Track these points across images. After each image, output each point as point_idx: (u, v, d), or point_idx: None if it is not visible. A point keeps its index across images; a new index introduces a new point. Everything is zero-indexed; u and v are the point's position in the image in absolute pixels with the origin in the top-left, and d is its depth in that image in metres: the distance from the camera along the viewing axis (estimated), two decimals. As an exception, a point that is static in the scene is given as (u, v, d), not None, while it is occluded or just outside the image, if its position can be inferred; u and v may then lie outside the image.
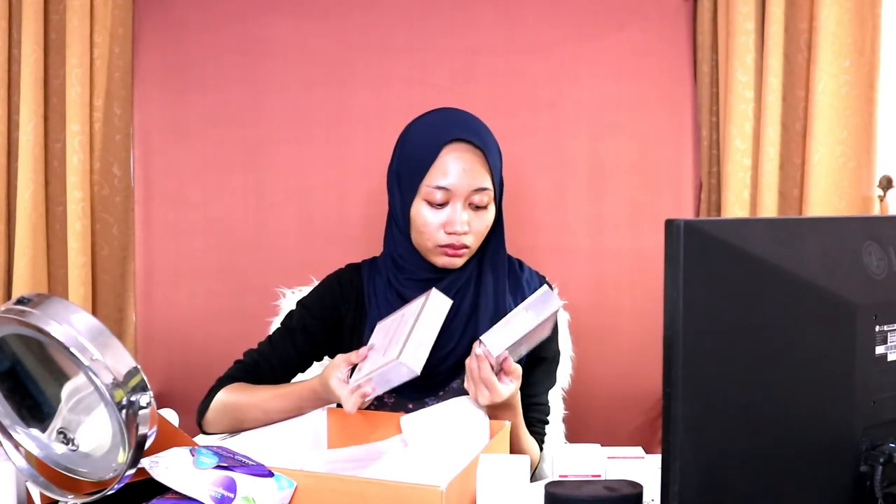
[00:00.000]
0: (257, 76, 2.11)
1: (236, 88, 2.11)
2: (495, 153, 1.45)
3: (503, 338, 1.24)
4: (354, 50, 2.10)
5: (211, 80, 2.11)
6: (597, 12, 2.09)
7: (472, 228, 1.41)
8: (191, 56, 2.11)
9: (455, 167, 1.39)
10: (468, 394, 1.32)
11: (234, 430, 1.41)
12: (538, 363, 1.48)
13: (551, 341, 1.48)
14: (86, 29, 2.03)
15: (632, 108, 2.09)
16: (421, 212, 1.41)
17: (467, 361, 1.28)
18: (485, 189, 1.40)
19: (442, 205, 1.40)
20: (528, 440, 1.43)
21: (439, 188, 1.39)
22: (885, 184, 1.98)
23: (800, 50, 2.01)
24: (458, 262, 1.44)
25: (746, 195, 2.01)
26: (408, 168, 1.43)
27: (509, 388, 1.27)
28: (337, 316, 1.49)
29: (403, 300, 1.45)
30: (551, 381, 1.54)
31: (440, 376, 1.43)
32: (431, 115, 1.47)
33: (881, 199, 1.98)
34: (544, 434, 1.52)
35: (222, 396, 1.44)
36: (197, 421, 1.47)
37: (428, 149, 1.40)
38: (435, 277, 1.45)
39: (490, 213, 1.44)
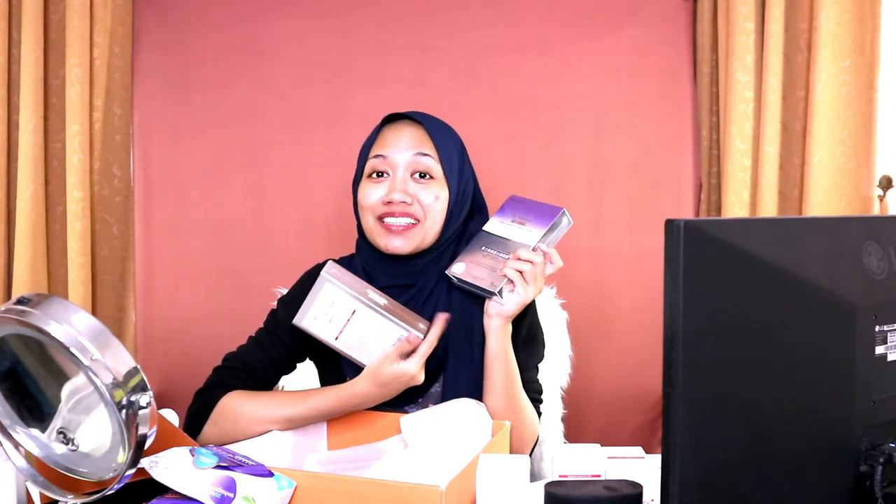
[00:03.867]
0: (257, 76, 2.11)
1: (236, 88, 2.11)
2: (443, 135, 1.40)
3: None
4: (354, 50, 2.10)
5: (211, 80, 2.11)
6: (597, 12, 2.09)
7: (416, 200, 1.35)
8: (191, 56, 2.11)
9: (392, 137, 1.39)
10: (440, 396, 1.31)
11: (235, 440, 1.32)
12: (513, 341, 1.39)
13: (522, 317, 1.40)
14: (86, 29, 2.03)
15: (632, 108, 2.09)
16: (363, 187, 1.39)
17: (522, 266, 1.28)
18: (426, 154, 1.36)
19: (384, 178, 1.37)
20: (525, 398, 1.37)
21: (377, 156, 1.38)
22: (885, 184, 1.98)
23: (800, 50, 2.01)
24: (404, 245, 1.35)
25: (746, 195, 2.01)
26: (358, 161, 1.43)
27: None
28: None
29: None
30: (534, 358, 1.45)
31: (420, 384, 1.40)
32: None
33: (881, 199, 1.98)
34: (539, 413, 1.44)
35: (231, 404, 1.32)
36: (189, 431, 1.35)
37: (371, 135, 1.43)
38: (402, 284, 1.39)
39: (439, 188, 1.37)
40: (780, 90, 1.98)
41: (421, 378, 1.27)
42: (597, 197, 2.10)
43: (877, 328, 0.88)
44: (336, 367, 1.43)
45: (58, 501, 1.03)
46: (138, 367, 0.95)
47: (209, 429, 1.33)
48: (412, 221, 1.36)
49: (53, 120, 2.10)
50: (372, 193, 1.37)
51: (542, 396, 1.48)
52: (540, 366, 1.49)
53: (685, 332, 0.76)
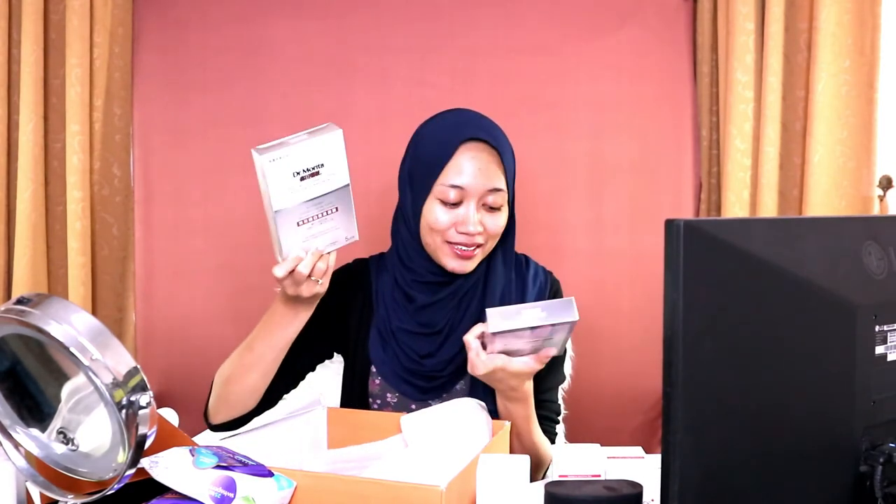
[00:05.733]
0: (257, 76, 2.11)
1: (236, 88, 2.11)
2: (510, 155, 1.43)
3: (504, 319, 1.23)
4: (354, 50, 2.10)
5: (211, 80, 2.11)
6: (597, 12, 2.09)
7: (485, 229, 1.40)
8: (191, 56, 2.11)
9: (470, 166, 1.38)
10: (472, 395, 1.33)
11: (237, 404, 1.38)
12: None
13: None
14: (86, 29, 2.03)
15: (632, 107, 2.09)
16: (433, 210, 1.39)
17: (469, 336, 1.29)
18: (499, 190, 1.39)
19: (455, 204, 1.38)
20: (541, 437, 1.42)
21: (454, 187, 1.37)
22: (885, 184, 1.98)
23: (800, 50, 2.01)
24: (469, 266, 1.41)
25: (746, 195, 2.01)
26: (422, 168, 1.41)
27: (485, 366, 1.26)
28: (345, 311, 1.48)
29: (410, 301, 1.44)
30: (558, 378, 1.52)
31: (446, 378, 1.43)
32: (446, 115, 1.46)
33: (881, 199, 1.98)
34: (555, 433, 1.51)
35: (218, 374, 1.41)
36: (204, 418, 1.43)
37: (443, 148, 1.39)
38: (443, 280, 1.44)
39: (503, 216, 1.43)
40: (780, 90, 1.98)
41: (287, 286, 1.28)
42: (597, 197, 2.10)
43: (877, 328, 0.88)
44: (363, 357, 1.45)
45: (58, 501, 1.03)
46: (138, 366, 0.95)
47: (215, 406, 1.40)
48: (479, 244, 1.41)
49: (53, 120, 2.09)
50: (443, 218, 1.39)
51: (559, 417, 1.53)
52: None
53: (685, 332, 0.76)
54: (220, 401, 1.40)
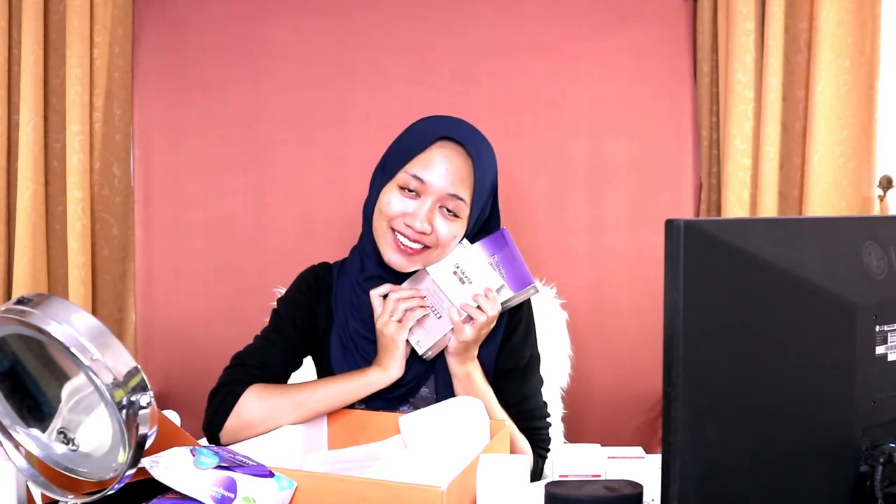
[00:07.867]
0: (257, 76, 2.11)
1: (236, 88, 2.11)
2: (486, 173, 1.37)
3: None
4: (354, 50, 2.10)
5: (211, 80, 2.11)
6: (597, 12, 2.09)
7: (434, 232, 1.34)
8: (191, 56, 2.11)
9: (439, 164, 1.34)
10: (434, 401, 1.33)
11: (258, 432, 1.34)
12: (507, 374, 1.42)
13: (522, 348, 1.43)
14: (86, 29, 2.04)
15: (632, 108, 2.09)
16: (390, 194, 1.35)
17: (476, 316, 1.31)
18: (460, 199, 1.34)
19: (414, 197, 1.34)
20: (506, 419, 1.38)
21: (416, 177, 1.33)
22: (885, 184, 1.98)
23: (800, 50, 2.01)
24: (407, 265, 1.35)
25: (746, 195, 2.01)
26: (395, 154, 1.39)
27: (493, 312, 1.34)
28: (312, 313, 1.46)
29: (359, 310, 1.41)
30: (532, 386, 1.46)
31: (409, 385, 1.40)
32: (444, 116, 1.43)
33: (881, 199, 1.98)
34: (546, 438, 1.45)
35: (255, 395, 1.33)
36: (209, 432, 1.37)
37: (421, 138, 1.36)
38: (390, 281, 1.39)
39: (459, 227, 1.36)
40: (780, 90, 1.98)
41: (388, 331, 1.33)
42: (597, 197, 2.10)
43: (877, 328, 0.88)
44: (326, 365, 1.44)
45: (58, 501, 1.03)
46: (138, 367, 0.95)
47: (233, 422, 1.33)
48: (423, 247, 1.35)
49: (53, 120, 2.10)
50: (396, 205, 1.35)
51: (548, 419, 1.48)
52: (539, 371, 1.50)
53: (685, 332, 0.76)
54: (240, 430, 1.34)
